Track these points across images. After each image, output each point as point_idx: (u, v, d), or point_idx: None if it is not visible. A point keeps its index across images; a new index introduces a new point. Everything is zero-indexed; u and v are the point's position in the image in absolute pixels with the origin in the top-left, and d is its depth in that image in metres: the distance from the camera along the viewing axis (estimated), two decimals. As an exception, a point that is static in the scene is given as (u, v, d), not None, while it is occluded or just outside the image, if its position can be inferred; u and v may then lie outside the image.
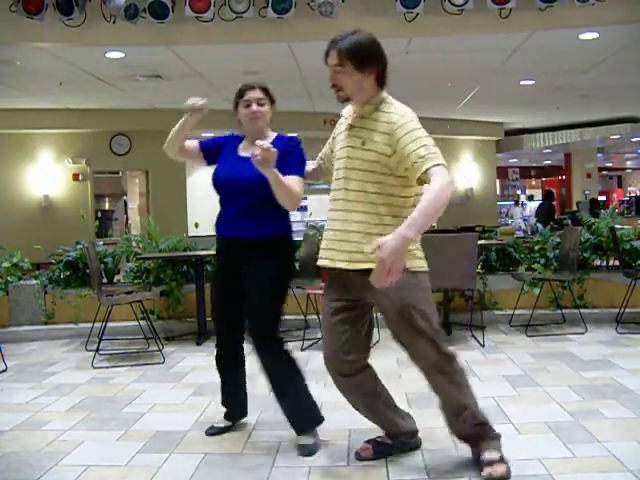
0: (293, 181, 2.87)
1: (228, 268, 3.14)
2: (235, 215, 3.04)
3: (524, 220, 15.38)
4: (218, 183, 3.11)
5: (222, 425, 3.37)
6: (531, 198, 20.95)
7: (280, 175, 2.78)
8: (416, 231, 2.33)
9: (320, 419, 3.15)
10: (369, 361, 2.91)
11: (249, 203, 2.99)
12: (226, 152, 3.17)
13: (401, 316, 2.62)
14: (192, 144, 3.24)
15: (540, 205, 13.87)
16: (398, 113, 2.54)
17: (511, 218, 17.93)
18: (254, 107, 3.05)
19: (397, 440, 2.95)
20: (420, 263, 2.69)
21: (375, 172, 2.54)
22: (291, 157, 2.96)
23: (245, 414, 3.46)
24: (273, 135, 3.16)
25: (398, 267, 2.27)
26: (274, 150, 2.63)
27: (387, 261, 2.23)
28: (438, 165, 2.38)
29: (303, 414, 3.12)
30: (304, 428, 3.10)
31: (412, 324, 2.62)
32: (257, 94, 3.07)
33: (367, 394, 2.87)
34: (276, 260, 3.03)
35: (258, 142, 2.61)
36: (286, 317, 5.91)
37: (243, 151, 3.11)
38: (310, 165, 3.10)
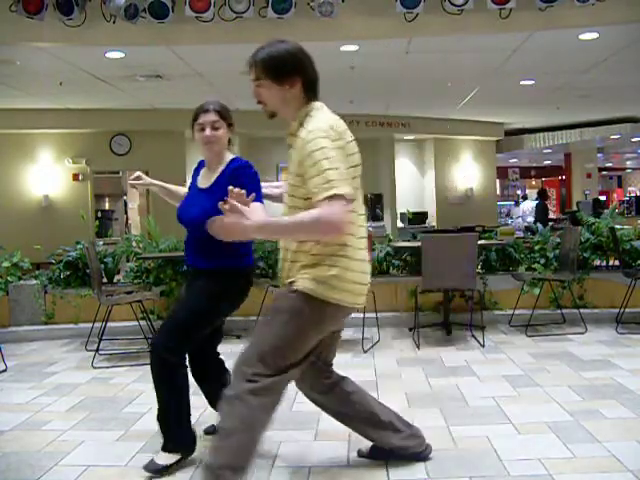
0: (256, 208, 2.57)
1: (187, 289, 3.17)
2: (191, 246, 3.05)
3: (522, 219, 15.41)
4: (177, 215, 3.09)
5: None
6: (525, 198, 20.98)
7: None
8: (266, 232, 2.20)
9: (185, 450, 2.96)
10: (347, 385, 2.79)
11: (201, 237, 2.86)
12: (193, 182, 3.15)
13: (260, 324, 2.47)
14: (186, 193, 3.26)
15: (537, 205, 13.90)
16: (308, 128, 2.28)
17: (511, 218, 17.96)
18: (207, 131, 2.94)
19: (394, 450, 2.84)
20: (329, 293, 2.32)
21: (294, 196, 2.37)
22: (247, 187, 2.72)
23: None
24: (229, 159, 3.02)
25: (227, 233, 2.18)
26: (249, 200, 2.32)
27: (224, 221, 2.17)
28: (335, 196, 2.12)
29: (168, 435, 2.94)
30: (165, 447, 2.92)
31: (262, 326, 2.44)
32: (211, 117, 2.94)
33: (337, 413, 2.81)
34: (216, 290, 2.94)
35: (230, 188, 2.31)
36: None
37: (203, 178, 3.07)
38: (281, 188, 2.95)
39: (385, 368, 4.65)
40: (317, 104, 2.42)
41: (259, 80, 2.38)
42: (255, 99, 2.43)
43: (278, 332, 2.33)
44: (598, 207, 12.98)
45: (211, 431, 3.34)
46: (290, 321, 2.33)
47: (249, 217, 2.17)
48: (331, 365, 2.76)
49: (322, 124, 2.27)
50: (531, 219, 13.46)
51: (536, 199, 14.06)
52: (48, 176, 10.61)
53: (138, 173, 3.16)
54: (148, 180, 3.19)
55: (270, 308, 2.43)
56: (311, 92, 2.42)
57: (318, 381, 2.73)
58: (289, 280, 2.39)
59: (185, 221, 3.02)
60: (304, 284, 2.32)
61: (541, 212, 13.22)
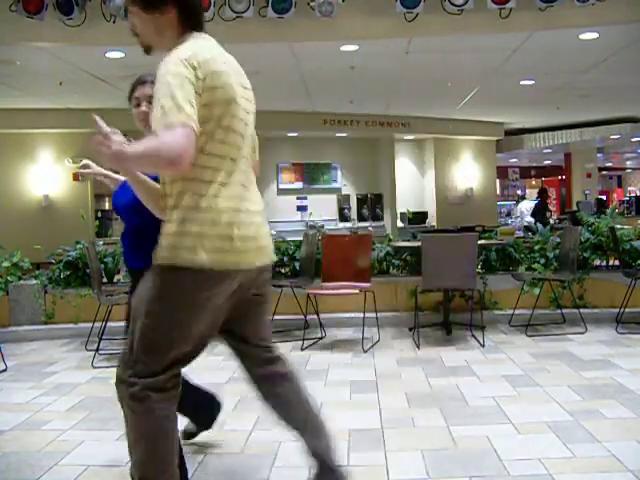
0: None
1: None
2: (128, 240, 2.72)
3: (520, 219, 15.43)
4: (113, 205, 2.78)
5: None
6: (523, 198, 21.04)
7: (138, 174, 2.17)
8: (121, 161, 1.83)
9: None
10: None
11: (136, 225, 2.62)
12: None
13: (134, 311, 2.09)
14: None
15: (536, 204, 13.92)
16: (164, 59, 1.97)
17: (511, 218, 17.96)
18: (143, 107, 2.62)
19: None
20: (187, 257, 1.93)
21: None
22: None
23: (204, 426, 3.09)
24: None
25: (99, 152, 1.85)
26: (116, 139, 1.91)
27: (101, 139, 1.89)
28: (173, 125, 1.81)
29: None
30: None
31: (135, 323, 2.06)
32: (148, 90, 2.56)
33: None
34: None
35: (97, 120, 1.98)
36: (286, 317, 5.97)
37: None
38: None
39: (385, 368, 4.65)
40: (198, 34, 2.09)
41: (130, 6, 2.12)
42: (131, 32, 2.19)
43: (145, 324, 2.00)
44: (602, 207, 12.98)
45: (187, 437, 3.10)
46: (153, 307, 1.99)
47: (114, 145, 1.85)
48: (268, 345, 2.34)
49: (181, 51, 1.95)
50: (529, 219, 13.45)
51: (537, 198, 14.05)
52: (48, 176, 10.61)
53: (85, 161, 2.80)
54: (97, 169, 2.79)
55: (134, 299, 2.10)
56: (190, 21, 2.10)
57: (255, 367, 2.35)
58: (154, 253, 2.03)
59: (119, 207, 2.69)
60: (158, 254, 1.97)
61: (541, 211, 13.21)
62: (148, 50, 2.16)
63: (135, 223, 2.55)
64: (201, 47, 2.00)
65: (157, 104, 1.86)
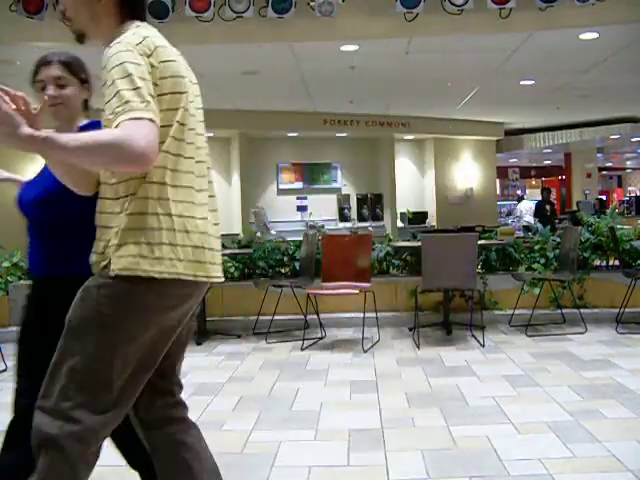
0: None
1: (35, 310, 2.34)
2: (34, 243, 2.32)
3: (519, 219, 15.44)
4: (17, 202, 2.38)
5: None
6: (522, 198, 21.10)
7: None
8: (38, 145, 1.56)
9: None
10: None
11: (37, 227, 2.30)
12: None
13: (65, 332, 1.69)
14: None
15: (537, 204, 13.92)
16: (111, 46, 1.74)
17: (510, 218, 17.97)
18: (50, 90, 2.24)
19: None
20: (156, 268, 1.63)
21: None
22: None
23: None
24: (84, 122, 2.38)
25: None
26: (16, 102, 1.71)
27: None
28: (132, 119, 1.57)
29: None
30: None
31: (62, 347, 1.67)
32: (54, 72, 2.27)
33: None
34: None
35: None
36: (286, 317, 5.97)
37: None
38: None
39: (385, 368, 4.65)
40: (141, 24, 1.85)
41: None
42: (60, 15, 1.96)
43: (91, 350, 1.63)
44: (602, 207, 12.97)
45: None
46: (103, 328, 1.63)
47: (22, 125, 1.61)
48: (178, 387, 1.92)
49: (131, 38, 1.72)
50: (528, 218, 13.45)
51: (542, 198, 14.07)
52: (48, 176, 10.61)
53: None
54: (5, 175, 2.57)
55: (73, 313, 1.69)
56: (129, 8, 1.86)
57: (150, 406, 1.85)
58: (102, 264, 1.69)
59: (24, 205, 2.31)
60: (117, 265, 1.62)
61: (541, 211, 13.20)
62: (81, 38, 1.94)
63: (49, 219, 2.19)
64: (150, 35, 1.77)
65: (118, 96, 1.61)
